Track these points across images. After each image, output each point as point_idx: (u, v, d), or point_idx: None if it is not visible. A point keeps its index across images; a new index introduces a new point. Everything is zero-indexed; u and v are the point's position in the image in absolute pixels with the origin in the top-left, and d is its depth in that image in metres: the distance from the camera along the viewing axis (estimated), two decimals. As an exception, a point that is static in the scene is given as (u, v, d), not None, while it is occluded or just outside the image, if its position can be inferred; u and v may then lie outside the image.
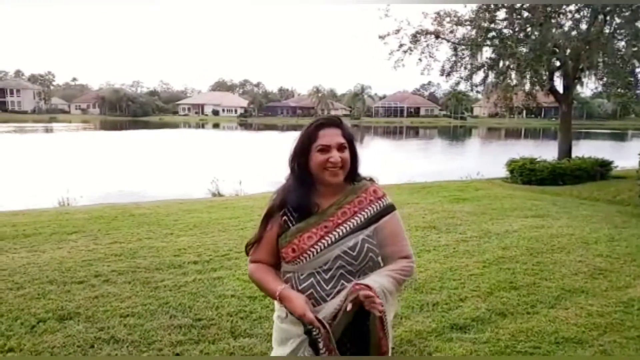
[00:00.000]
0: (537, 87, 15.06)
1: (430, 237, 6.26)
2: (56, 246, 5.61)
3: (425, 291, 4.25)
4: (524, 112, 76.97)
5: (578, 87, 15.60)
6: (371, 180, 1.89)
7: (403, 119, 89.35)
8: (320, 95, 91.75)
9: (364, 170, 1.90)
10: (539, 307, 3.90)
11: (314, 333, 1.65)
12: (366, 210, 1.79)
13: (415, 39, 14.86)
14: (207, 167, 16.51)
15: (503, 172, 14.36)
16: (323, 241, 1.73)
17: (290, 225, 1.77)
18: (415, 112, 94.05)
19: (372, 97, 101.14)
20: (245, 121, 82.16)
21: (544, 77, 14.47)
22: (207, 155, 24.42)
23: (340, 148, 1.75)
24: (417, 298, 4.08)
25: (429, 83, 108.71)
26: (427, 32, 14.93)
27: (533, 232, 6.56)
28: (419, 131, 66.80)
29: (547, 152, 16.17)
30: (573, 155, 15.01)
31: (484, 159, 24.61)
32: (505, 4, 13.79)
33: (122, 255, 5.23)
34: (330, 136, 1.75)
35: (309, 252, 1.73)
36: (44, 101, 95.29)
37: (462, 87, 16.08)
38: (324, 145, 1.73)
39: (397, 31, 14.96)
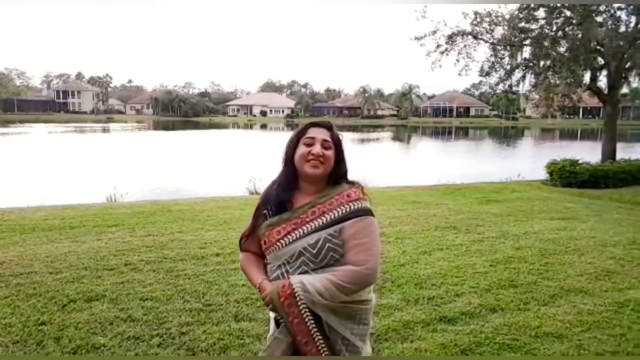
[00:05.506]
0: (575, 88, 14.66)
1: (447, 237, 6.39)
2: (96, 237, 6.16)
3: (426, 287, 4.44)
4: (581, 112, 73.90)
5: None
6: (353, 183, 1.96)
7: (452, 119, 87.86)
8: (366, 95, 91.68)
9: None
10: (532, 305, 4.02)
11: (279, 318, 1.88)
12: (335, 211, 1.86)
13: (451, 39, 14.81)
14: (250, 166, 17.06)
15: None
16: (289, 236, 1.86)
17: (268, 219, 1.93)
18: (465, 112, 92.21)
19: (420, 96, 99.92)
20: (292, 122, 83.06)
21: (582, 77, 14.07)
22: (251, 155, 25.10)
23: (325, 145, 1.90)
24: (415, 292, 4.28)
25: (480, 82, 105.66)
26: (464, 33, 14.84)
27: (552, 234, 6.56)
28: (469, 132, 65.51)
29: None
30: (620, 157, 14.50)
31: (531, 161, 23.98)
32: (544, 3, 13.51)
33: (152, 247, 5.70)
34: (318, 132, 1.92)
35: (276, 245, 1.88)
36: (102, 102, 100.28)
37: (502, 87, 15.84)
38: (310, 137, 1.90)
39: (434, 32, 14.96)
